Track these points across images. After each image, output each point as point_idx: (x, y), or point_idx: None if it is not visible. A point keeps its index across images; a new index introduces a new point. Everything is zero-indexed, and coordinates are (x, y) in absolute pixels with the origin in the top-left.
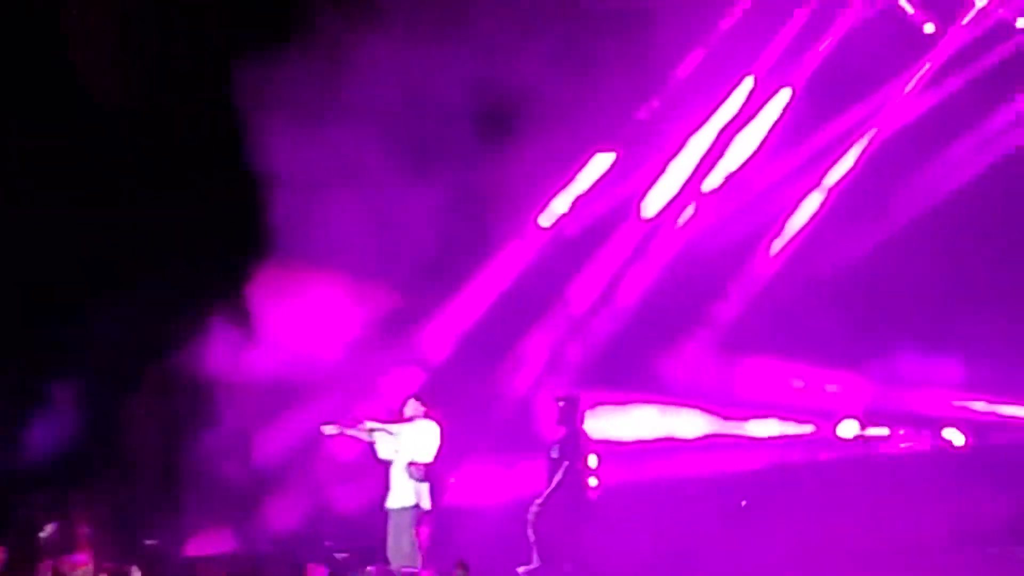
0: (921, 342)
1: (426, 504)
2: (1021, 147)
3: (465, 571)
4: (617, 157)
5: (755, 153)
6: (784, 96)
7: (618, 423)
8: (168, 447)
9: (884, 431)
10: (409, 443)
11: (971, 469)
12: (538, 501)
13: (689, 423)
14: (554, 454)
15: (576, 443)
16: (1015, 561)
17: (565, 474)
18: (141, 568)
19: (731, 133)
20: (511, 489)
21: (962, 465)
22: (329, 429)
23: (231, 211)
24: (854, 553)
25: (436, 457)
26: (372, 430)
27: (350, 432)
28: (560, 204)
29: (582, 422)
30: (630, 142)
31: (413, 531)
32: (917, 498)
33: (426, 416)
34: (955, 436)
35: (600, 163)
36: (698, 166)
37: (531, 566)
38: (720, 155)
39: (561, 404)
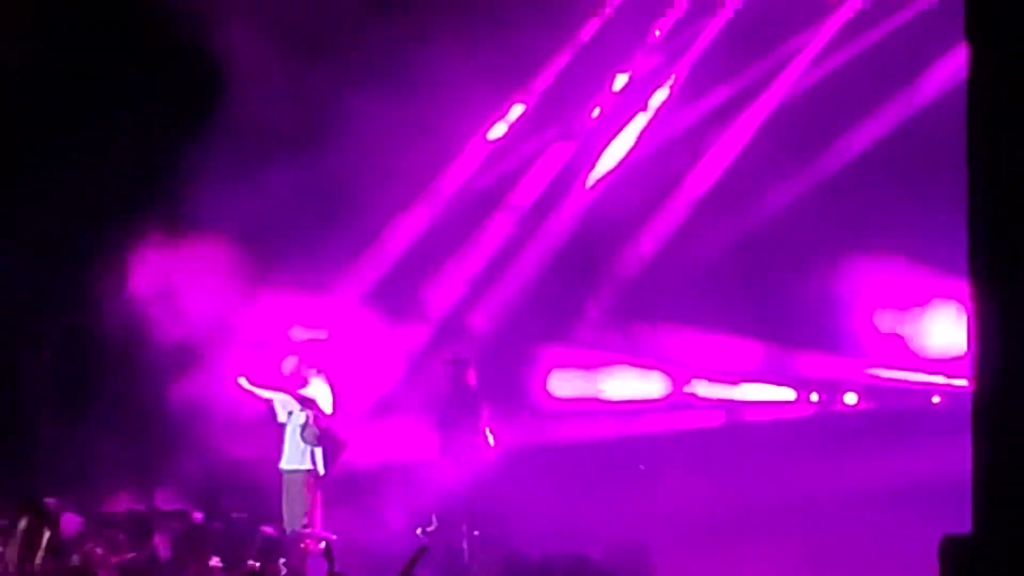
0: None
1: (320, 468)
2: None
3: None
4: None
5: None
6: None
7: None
8: (68, 405)
9: (791, 394)
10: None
11: (867, 432)
12: (438, 462)
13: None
14: (449, 418)
15: (469, 404)
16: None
17: (460, 436)
18: (41, 524)
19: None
20: (407, 451)
21: (858, 428)
22: (244, 382)
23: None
24: (743, 515)
25: (331, 420)
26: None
27: (259, 390)
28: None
29: (474, 383)
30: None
31: (305, 494)
32: (812, 460)
33: (321, 378)
34: (851, 398)
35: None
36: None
37: (430, 527)
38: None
39: (449, 366)
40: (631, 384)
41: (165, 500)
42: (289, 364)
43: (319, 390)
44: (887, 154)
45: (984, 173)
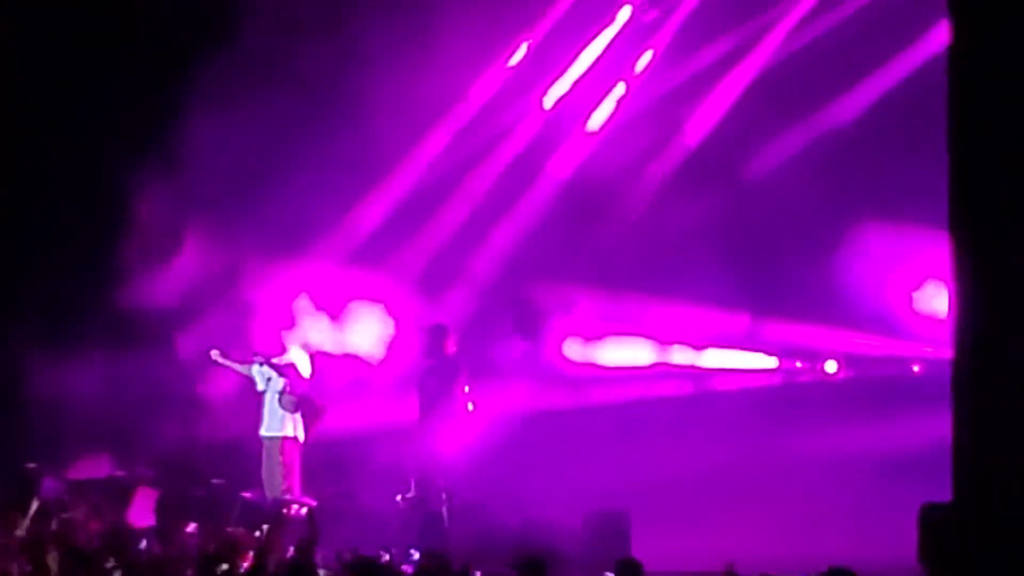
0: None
1: (300, 435)
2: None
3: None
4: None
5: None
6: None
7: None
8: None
9: (773, 362)
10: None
11: (848, 400)
12: (419, 430)
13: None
14: (430, 386)
15: (448, 371)
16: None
17: (440, 403)
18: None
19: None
20: (387, 418)
21: (839, 396)
22: (216, 355)
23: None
24: (723, 481)
25: (309, 386)
26: (253, 363)
27: (231, 364)
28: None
29: (454, 350)
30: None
31: (284, 460)
32: (793, 427)
33: (303, 347)
34: (831, 366)
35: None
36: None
37: (409, 493)
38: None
39: (428, 333)
40: (621, 352)
41: (145, 467)
42: (289, 338)
43: (297, 357)
44: (876, 120)
45: (964, 140)
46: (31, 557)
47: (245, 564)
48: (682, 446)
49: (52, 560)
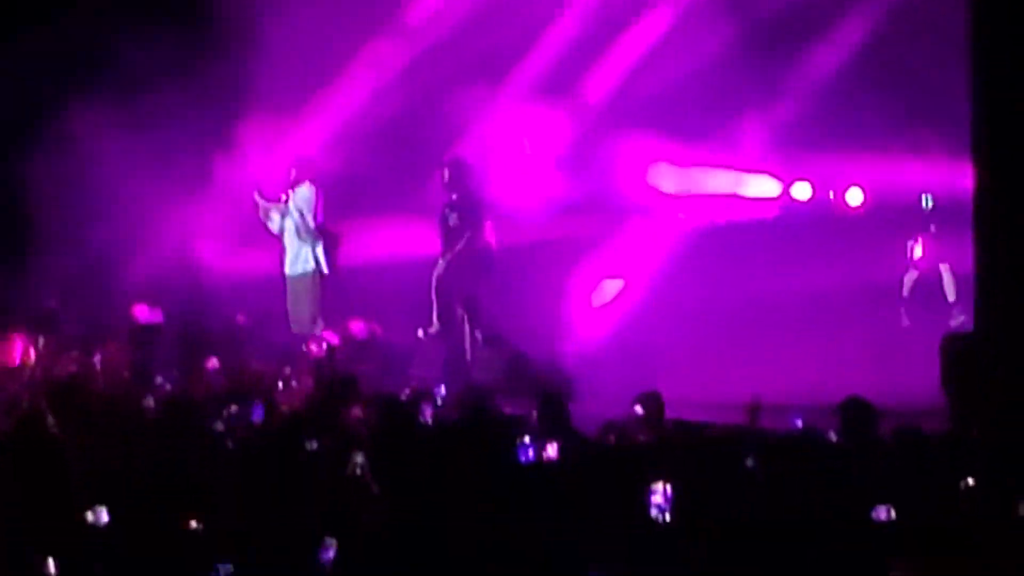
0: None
1: (324, 267)
2: None
3: None
4: None
5: None
6: None
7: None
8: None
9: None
10: (298, 207)
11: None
12: (440, 265)
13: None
14: (451, 221)
15: (471, 207)
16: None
17: (465, 238)
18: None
19: None
20: (408, 249)
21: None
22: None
23: None
24: (759, 314)
25: (327, 217)
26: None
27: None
28: None
29: (476, 185)
30: None
31: (312, 295)
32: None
33: (310, 180)
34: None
35: None
36: None
37: (431, 329)
38: None
39: (447, 168)
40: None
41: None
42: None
43: (307, 192)
44: None
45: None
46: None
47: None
48: (709, 277)
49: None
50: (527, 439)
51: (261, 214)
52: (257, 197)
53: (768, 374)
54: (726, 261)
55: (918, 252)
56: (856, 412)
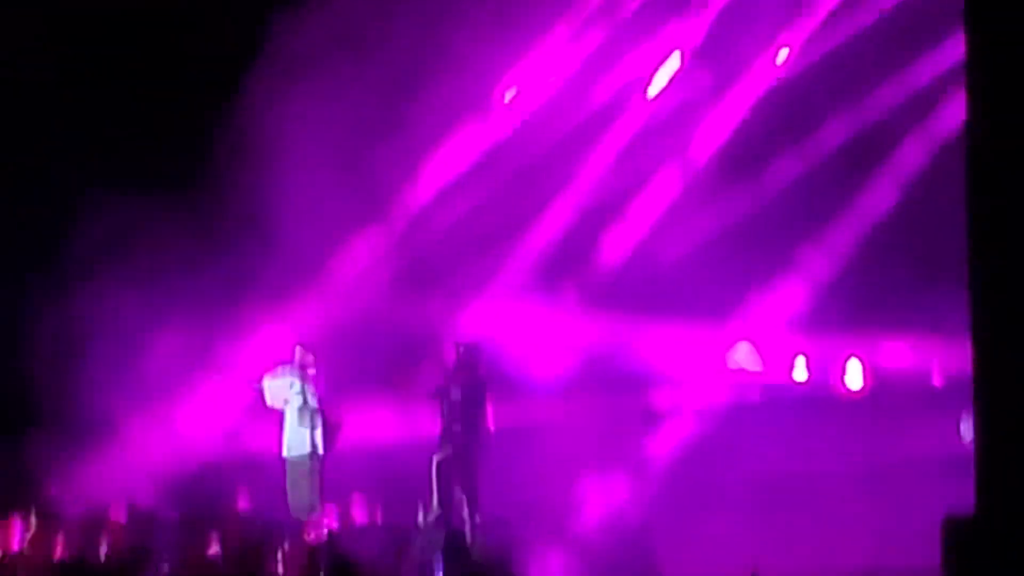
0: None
1: (320, 449)
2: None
3: None
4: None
5: None
6: None
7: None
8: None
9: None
10: (299, 391)
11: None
12: (439, 455)
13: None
14: (453, 395)
15: (478, 390)
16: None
17: (469, 422)
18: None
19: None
20: (407, 432)
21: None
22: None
23: None
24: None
25: (327, 402)
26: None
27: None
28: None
29: (482, 368)
30: None
31: (310, 478)
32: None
33: (312, 363)
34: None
35: None
36: None
37: (431, 514)
38: None
39: (461, 350)
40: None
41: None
42: (299, 354)
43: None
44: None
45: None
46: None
47: None
48: (709, 456)
49: None
50: None
51: (265, 393)
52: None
53: (770, 552)
54: (725, 440)
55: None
56: None
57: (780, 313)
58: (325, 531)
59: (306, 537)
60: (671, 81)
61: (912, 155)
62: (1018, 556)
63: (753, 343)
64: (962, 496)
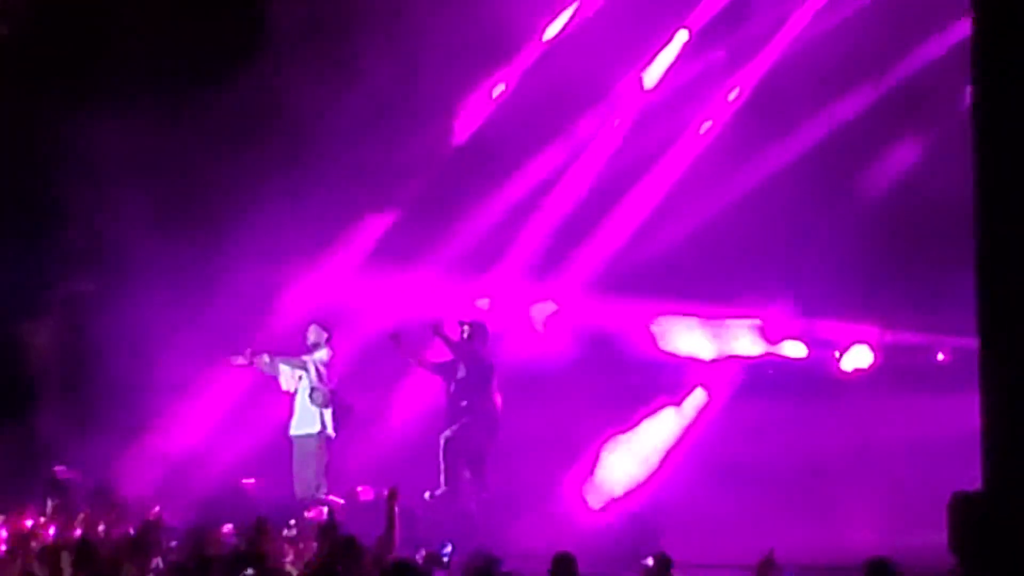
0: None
1: (331, 430)
2: None
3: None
4: None
5: None
6: None
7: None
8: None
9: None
10: (311, 369)
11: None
12: (447, 433)
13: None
14: (459, 373)
15: (482, 365)
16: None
17: (475, 399)
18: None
19: None
20: (415, 412)
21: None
22: (237, 360)
23: None
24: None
25: (339, 382)
26: (274, 362)
27: (256, 364)
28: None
29: (486, 348)
30: None
31: (316, 457)
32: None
33: (327, 342)
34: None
35: None
36: None
37: (438, 491)
38: None
39: (465, 328)
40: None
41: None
42: (313, 333)
43: (324, 356)
44: None
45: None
46: (48, 560)
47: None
48: (722, 437)
49: (66, 563)
50: None
51: (276, 372)
52: (267, 358)
53: (783, 532)
54: (737, 422)
55: None
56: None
57: (783, 293)
58: (326, 511)
59: (307, 515)
60: (676, 60)
61: (913, 145)
62: None
63: (761, 323)
64: (969, 473)
